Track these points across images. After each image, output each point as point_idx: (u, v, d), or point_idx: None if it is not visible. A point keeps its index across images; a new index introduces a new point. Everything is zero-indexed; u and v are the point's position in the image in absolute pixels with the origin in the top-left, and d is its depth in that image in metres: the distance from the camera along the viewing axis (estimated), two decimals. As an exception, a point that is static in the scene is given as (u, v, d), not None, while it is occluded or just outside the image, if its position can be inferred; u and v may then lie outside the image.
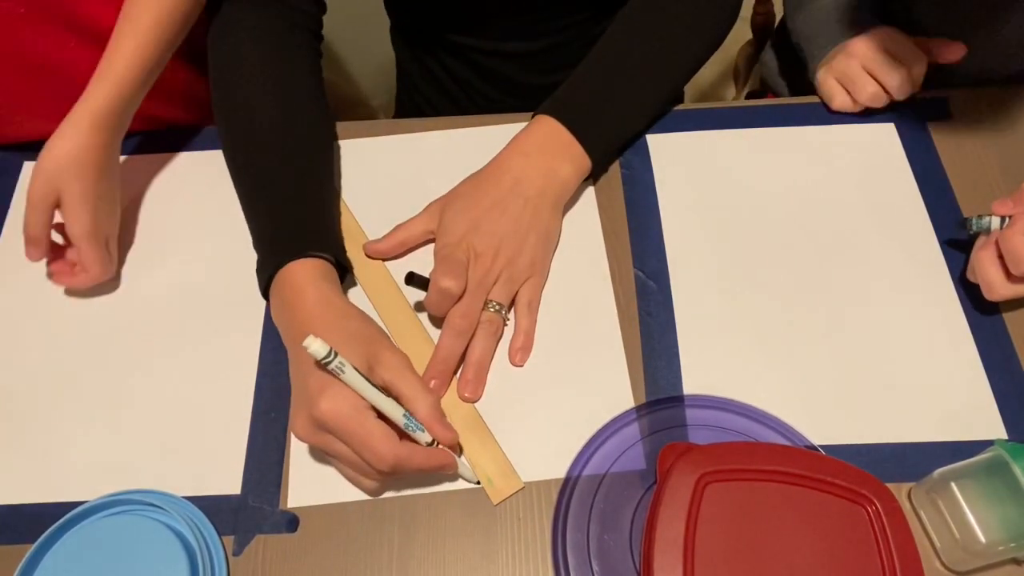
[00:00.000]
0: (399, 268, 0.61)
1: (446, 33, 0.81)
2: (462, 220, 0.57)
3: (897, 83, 0.65)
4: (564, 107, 0.61)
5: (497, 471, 0.52)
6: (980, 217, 0.56)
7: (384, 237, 0.61)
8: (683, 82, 0.68)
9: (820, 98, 0.70)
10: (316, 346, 0.45)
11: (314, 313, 0.51)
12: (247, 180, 0.59)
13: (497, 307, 0.56)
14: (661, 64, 0.64)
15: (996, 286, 0.54)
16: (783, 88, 0.92)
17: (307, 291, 0.52)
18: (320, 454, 0.53)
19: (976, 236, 0.57)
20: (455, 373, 0.56)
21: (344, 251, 0.58)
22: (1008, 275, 0.54)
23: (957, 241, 0.61)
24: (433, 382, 0.54)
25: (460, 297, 0.55)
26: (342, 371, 0.46)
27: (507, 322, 0.58)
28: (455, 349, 0.55)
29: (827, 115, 0.69)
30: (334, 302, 0.52)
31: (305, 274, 0.53)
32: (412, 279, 0.55)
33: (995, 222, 0.55)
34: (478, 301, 0.55)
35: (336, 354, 0.45)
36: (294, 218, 0.56)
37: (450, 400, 0.55)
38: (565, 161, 0.60)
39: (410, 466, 0.48)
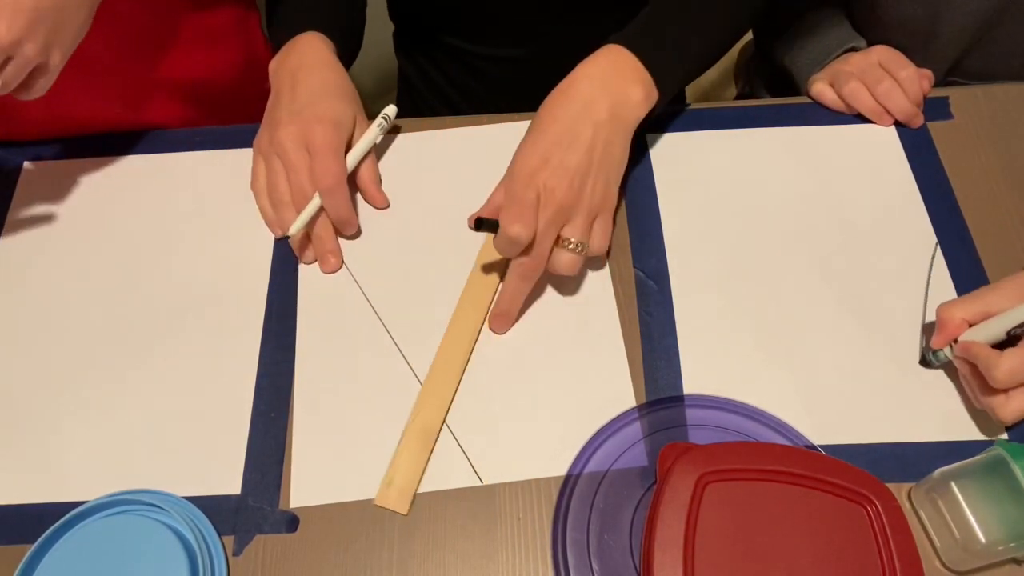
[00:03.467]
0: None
1: (448, 39, 0.81)
2: (532, 155, 0.55)
3: (895, 99, 0.66)
4: (632, 37, 0.59)
5: (401, 483, 0.51)
6: (935, 352, 0.54)
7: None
8: (742, 27, 0.66)
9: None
10: (392, 109, 0.64)
11: (324, 72, 0.62)
12: None
13: (578, 246, 0.54)
14: (716, 9, 0.63)
15: (1003, 408, 0.50)
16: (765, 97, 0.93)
17: (322, 53, 0.64)
18: (320, 454, 0.53)
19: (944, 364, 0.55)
20: (519, 316, 0.58)
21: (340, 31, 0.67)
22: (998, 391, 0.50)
23: (956, 242, 0.61)
24: (501, 319, 0.57)
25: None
26: (383, 125, 0.63)
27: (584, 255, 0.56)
28: (521, 291, 0.56)
29: (827, 115, 0.69)
30: (336, 63, 0.64)
31: (320, 41, 0.64)
32: (482, 224, 0.53)
33: (949, 352, 0.53)
34: (547, 243, 0.54)
35: (388, 123, 0.63)
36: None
37: (431, 399, 0.54)
38: (636, 84, 0.57)
39: (335, 199, 0.58)
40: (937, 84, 0.69)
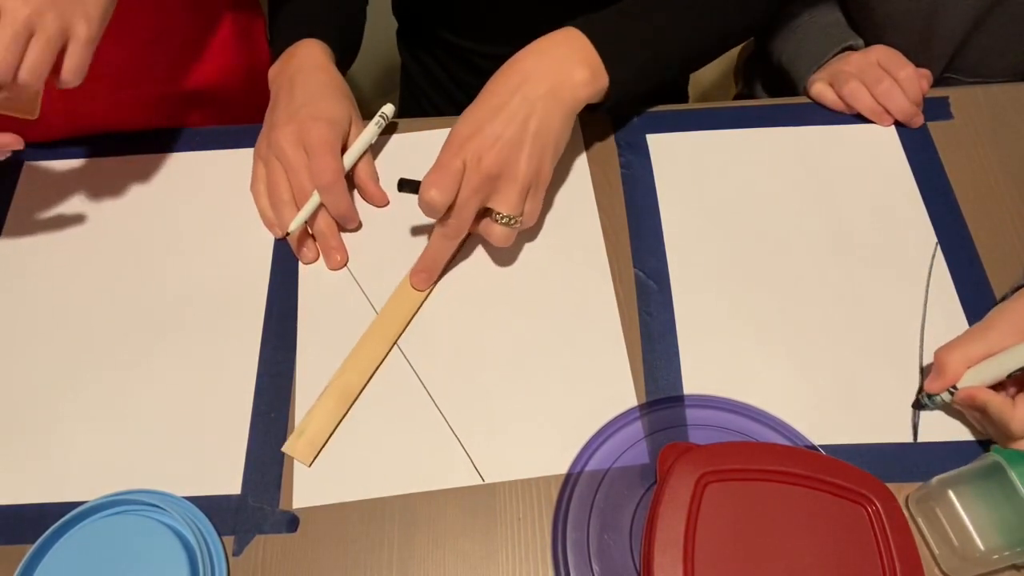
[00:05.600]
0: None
1: (449, 37, 0.81)
2: (466, 124, 0.55)
3: (895, 98, 0.66)
4: (589, 22, 0.59)
5: (312, 435, 0.53)
6: (931, 397, 0.53)
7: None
8: (728, 34, 0.66)
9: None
10: (390, 108, 0.64)
11: (319, 75, 0.63)
12: None
13: (509, 220, 0.55)
14: (699, 13, 0.63)
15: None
16: (761, 96, 0.92)
17: (319, 58, 0.64)
18: (320, 454, 0.53)
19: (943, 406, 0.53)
20: (441, 275, 0.59)
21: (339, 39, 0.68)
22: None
23: (956, 242, 0.61)
24: (421, 275, 0.58)
25: (451, 206, 0.54)
26: (380, 123, 0.63)
27: (518, 227, 0.57)
28: (443, 250, 0.57)
29: (827, 115, 0.69)
30: (331, 67, 0.65)
31: (318, 47, 0.65)
32: (404, 185, 0.54)
33: (946, 395, 0.52)
34: (469, 210, 0.55)
35: (387, 121, 0.64)
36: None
37: (357, 361, 0.56)
38: (581, 65, 0.57)
39: (334, 195, 0.59)
40: (934, 82, 0.69)
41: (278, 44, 0.67)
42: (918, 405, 0.54)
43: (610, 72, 0.58)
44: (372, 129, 0.63)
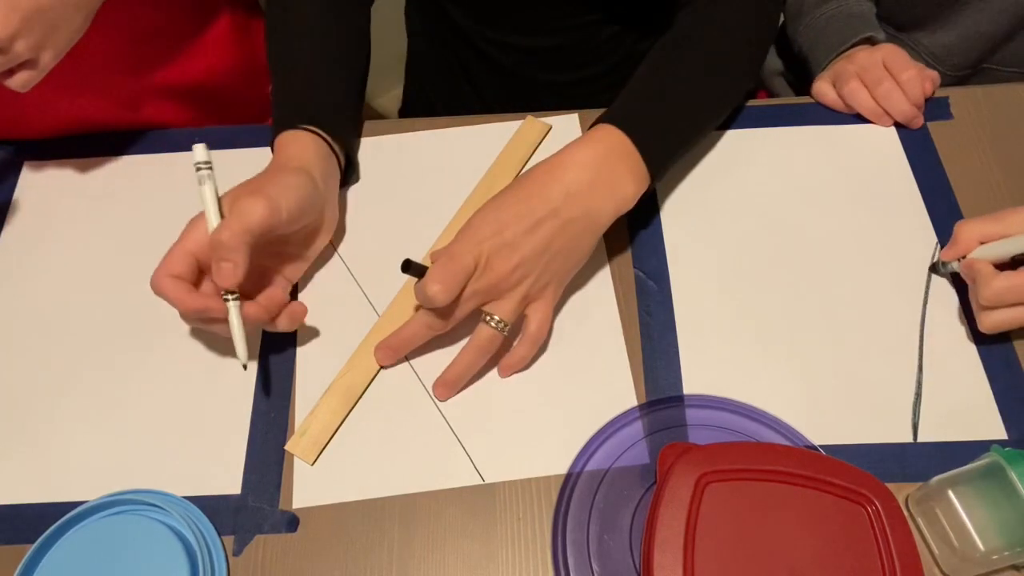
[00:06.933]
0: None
1: (460, 21, 0.81)
2: (489, 221, 0.52)
3: (894, 100, 0.66)
4: (629, 119, 0.56)
5: (315, 434, 0.53)
6: (944, 263, 0.58)
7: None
8: (735, 95, 0.64)
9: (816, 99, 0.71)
10: (199, 150, 0.52)
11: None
12: (278, 60, 0.62)
13: (499, 324, 0.52)
14: (714, 77, 0.61)
15: (986, 318, 0.54)
16: (782, 88, 0.92)
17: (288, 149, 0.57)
18: (320, 454, 0.53)
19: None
20: (406, 358, 0.57)
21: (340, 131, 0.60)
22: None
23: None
24: (387, 352, 0.55)
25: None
26: (202, 182, 0.52)
27: (505, 336, 0.54)
28: (419, 337, 0.54)
29: (827, 115, 0.69)
30: (287, 164, 0.56)
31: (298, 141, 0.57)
32: (409, 267, 0.51)
33: (956, 265, 0.57)
34: (464, 310, 0.52)
35: (208, 167, 0.52)
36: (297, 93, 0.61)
37: (361, 360, 0.56)
38: (627, 177, 0.54)
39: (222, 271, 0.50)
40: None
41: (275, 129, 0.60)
42: (934, 269, 0.60)
43: (651, 169, 0.56)
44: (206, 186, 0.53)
